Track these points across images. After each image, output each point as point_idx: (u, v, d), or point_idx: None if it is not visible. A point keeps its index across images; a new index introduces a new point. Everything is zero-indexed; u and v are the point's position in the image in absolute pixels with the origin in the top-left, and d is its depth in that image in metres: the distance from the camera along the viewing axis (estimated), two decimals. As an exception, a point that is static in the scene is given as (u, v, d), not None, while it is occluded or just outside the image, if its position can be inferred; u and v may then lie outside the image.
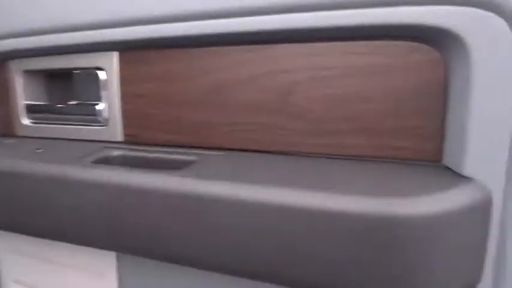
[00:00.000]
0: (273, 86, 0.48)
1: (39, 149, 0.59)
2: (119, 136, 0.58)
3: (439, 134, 0.42)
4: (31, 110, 0.66)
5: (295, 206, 0.37)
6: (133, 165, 0.50)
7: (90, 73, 0.59)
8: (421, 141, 0.43)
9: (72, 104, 0.62)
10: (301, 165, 0.45)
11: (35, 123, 0.66)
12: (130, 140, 0.58)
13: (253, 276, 0.40)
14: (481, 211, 0.36)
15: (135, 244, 0.46)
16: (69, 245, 0.64)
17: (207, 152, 0.52)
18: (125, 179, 0.46)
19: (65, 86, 0.66)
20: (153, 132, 0.57)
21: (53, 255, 0.66)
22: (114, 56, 0.56)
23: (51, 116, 0.64)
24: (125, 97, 0.57)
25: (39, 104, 0.65)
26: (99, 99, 0.59)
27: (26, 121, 0.66)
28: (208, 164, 0.47)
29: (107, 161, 0.53)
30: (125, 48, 0.55)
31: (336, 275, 0.36)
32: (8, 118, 0.67)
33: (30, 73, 0.65)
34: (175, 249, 0.44)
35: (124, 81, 0.57)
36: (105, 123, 0.59)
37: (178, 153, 0.53)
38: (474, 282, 0.37)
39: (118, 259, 0.60)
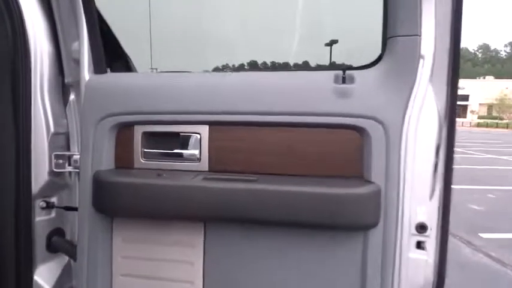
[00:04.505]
0: (282, 139, 1.07)
1: (161, 174, 1.10)
2: (206, 168, 1.11)
3: (361, 165, 1.03)
4: (146, 154, 1.16)
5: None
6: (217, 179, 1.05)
7: (190, 136, 1.12)
8: (353, 169, 1.03)
9: (178, 151, 1.14)
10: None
11: (148, 161, 1.16)
12: (213, 169, 1.11)
13: None
14: (377, 193, 0.96)
15: (218, 214, 1.00)
16: (169, 226, 1.13)
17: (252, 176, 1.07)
18: (213, 184, 1.01)
19: (169, 141, 1.17)
20: (224, 165, 1.11)
21: (156, 235, 1.14)
22: (207, 128, 1.11)
23: (159, 157, 1.15)
24: (210, 148, 1.11)
25: (151, 151, 1.16)
26: (196, 148, 1.12)
27: (142, 160, 1.16)
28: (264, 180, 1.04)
29: (203, 178, 1.06)
30: (211, 124, 1.10)
31: None
32: (131, 158, 1.16)
33: (147, 133, 1.16)
34: (245, 213, 0.98)
35: (210, 139, 1.11)
36: (197, 161, 1.12)
37: (238, 176, 1.07)
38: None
39: (205, 233, 1.10)
